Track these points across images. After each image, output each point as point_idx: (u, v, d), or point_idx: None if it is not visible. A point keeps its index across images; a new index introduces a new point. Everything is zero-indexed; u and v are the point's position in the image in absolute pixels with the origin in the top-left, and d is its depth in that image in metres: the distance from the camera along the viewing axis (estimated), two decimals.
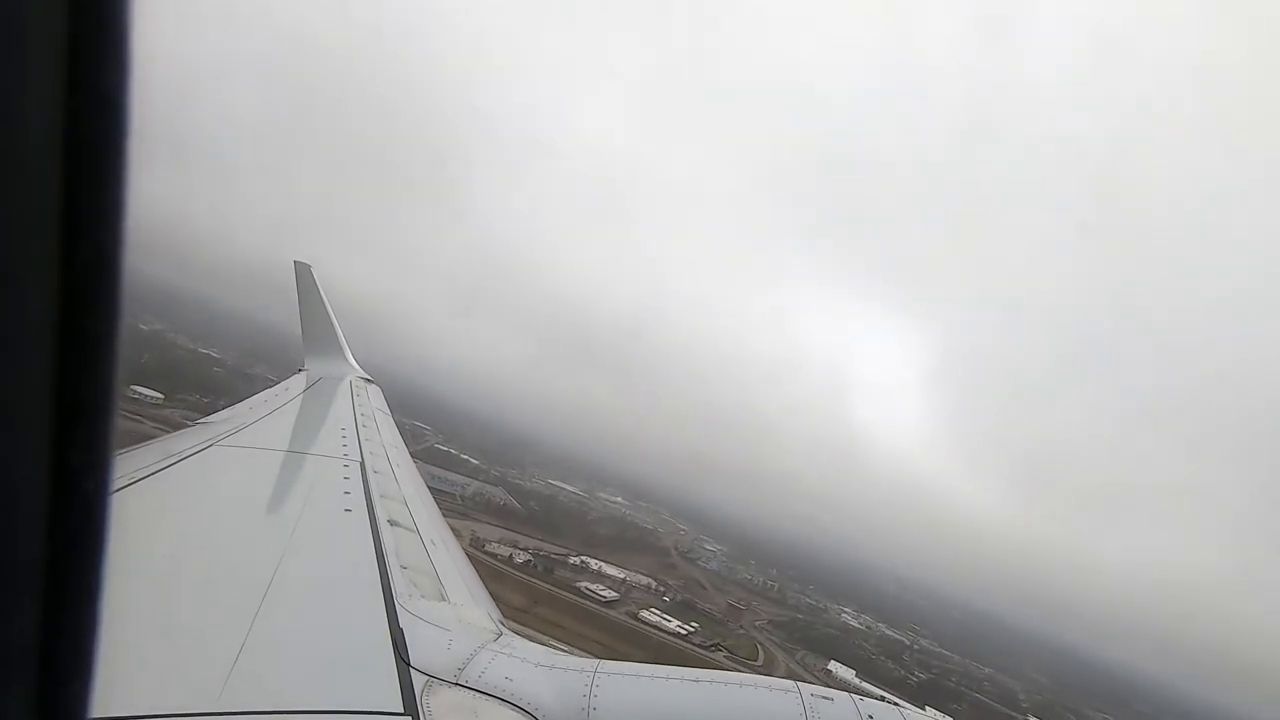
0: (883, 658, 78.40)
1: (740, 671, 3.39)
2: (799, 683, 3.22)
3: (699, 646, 59.77)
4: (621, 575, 71.52)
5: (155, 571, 3.27)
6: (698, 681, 3.14)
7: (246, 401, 8.19)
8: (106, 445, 0.63)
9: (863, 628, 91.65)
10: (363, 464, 6.16)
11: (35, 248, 0.56)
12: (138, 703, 2.23)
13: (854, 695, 3.21)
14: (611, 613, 62.13)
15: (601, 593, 65.33)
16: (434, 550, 4.77)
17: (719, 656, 58.93)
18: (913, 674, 75.56)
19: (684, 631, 61.95)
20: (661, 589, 73.76)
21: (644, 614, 62.98)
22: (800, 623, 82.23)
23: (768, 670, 60.56)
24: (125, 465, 4.46)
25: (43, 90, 0.55)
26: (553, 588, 61.68)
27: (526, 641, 3.59)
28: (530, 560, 66.22)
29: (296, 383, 9.70)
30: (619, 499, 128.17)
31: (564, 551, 72.78)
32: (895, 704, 3.23)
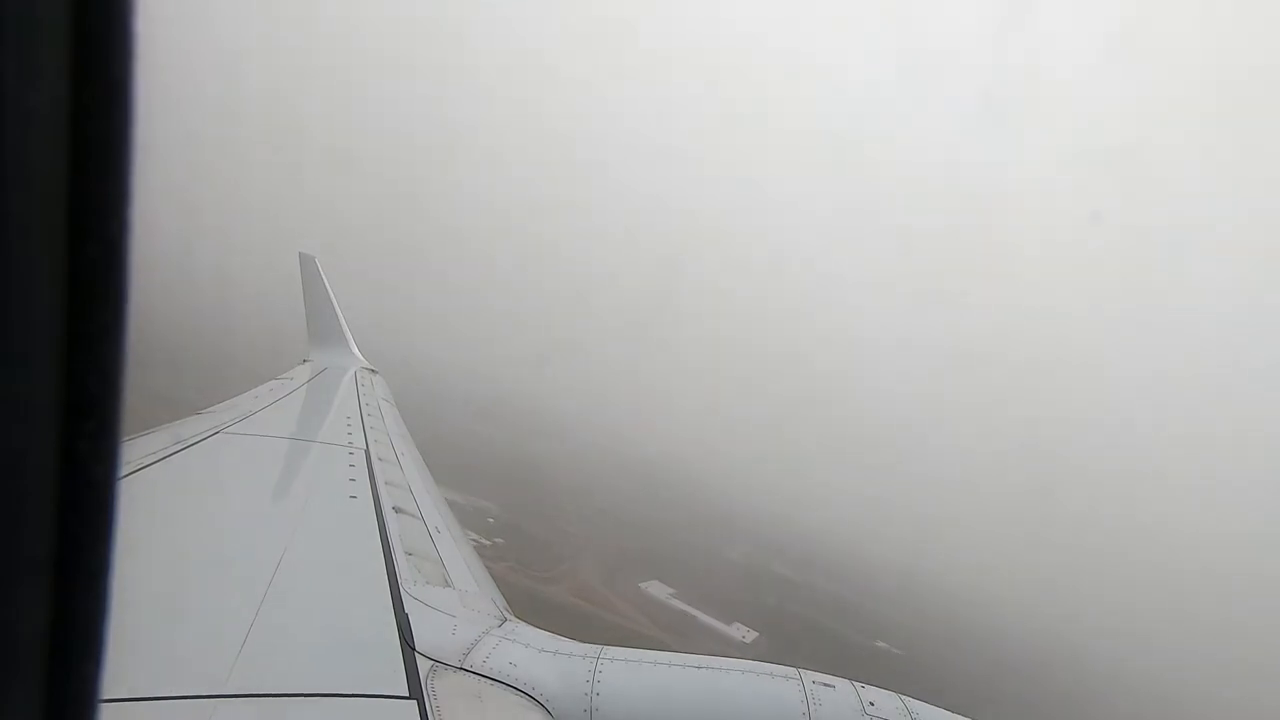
0: (734, 586, 72.26)
1: (745, 659, 3.41)
2: (801, 669, 3.25)
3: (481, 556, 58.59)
4: (458, 500, 68.84)
5: (164, 557, 3.31)
6: (700, 668, 3.17)
7: (252, 390, 8.23)
8: (115, 432, 0.63)
9: (749, 564, 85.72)
10: (368, 452, 6.20)
11: (43, 237, 0.56)
12: (147, 686, 2.26)
13: (855, 682, 3.24)
14: None
15: None
16: (438, 537, 4.81)
17: (501, 566, 56.72)
18: (762, 599, 70.72)
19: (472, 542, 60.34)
20: (497, 513, 68.90)
21: None
22: (658, 554, 75.35)
23: (554, 581, 59.37)
24: (133, 452, 4.49)
25: (49, 81, 0.55)
26: None
27: (531, 627, 3.62)
28: None
29: (301, 373, 9.74)
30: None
31: None
32: (898, 694, 3.26)
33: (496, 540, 63.31)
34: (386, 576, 3.63)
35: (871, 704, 3.04)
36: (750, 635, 55.40)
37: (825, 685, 3.13)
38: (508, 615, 3.77)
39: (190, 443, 5.12)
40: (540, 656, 3.14)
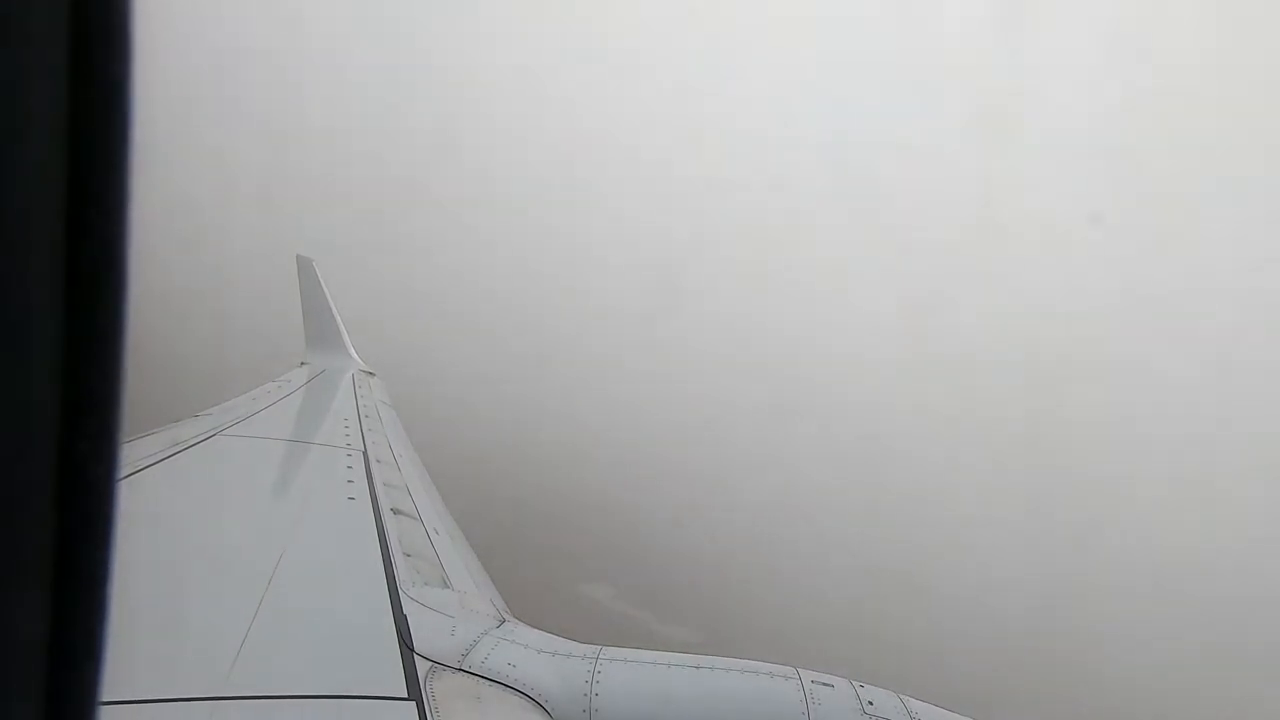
0: (685, 586, 73.28)
1: (744, 659, 3.42)
2: (799, 668, 3.25)
3: None
4: None
5: (162, 559, 3.30)
6: (698, 668, 3.18)
7: (249, 393, 8.23)
8: (114, 434, 0.63)
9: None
10: (366, 454, 6.20)
11: (42, 239, 0.56)
12: (147, 687, 2.26)
13: (853, 681, 3.24)
14: None
15: None
16: (437, 538, 4.80)
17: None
18: (713, 599, 71.95)
19: None
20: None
21: None
22: (604, 553, 76.23)
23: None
24: (132, 454, 4.49)
25: (49, 81, 0.55)
26: None
27: (530, 628, 3.62)
28: None
29: (299, 376, 9.74)
30: None
31: None
32: (897, 693, 3.27)
33: None
34: (385, 578, 3.62)
35: (870, 703, 3.05)
36: (696, 637, 55.39)
37: (824, 684, 3.13)
38: (506, 616, 3.76)
39: (188, 445, 5.12)
40: (539, 657, 3.14)
